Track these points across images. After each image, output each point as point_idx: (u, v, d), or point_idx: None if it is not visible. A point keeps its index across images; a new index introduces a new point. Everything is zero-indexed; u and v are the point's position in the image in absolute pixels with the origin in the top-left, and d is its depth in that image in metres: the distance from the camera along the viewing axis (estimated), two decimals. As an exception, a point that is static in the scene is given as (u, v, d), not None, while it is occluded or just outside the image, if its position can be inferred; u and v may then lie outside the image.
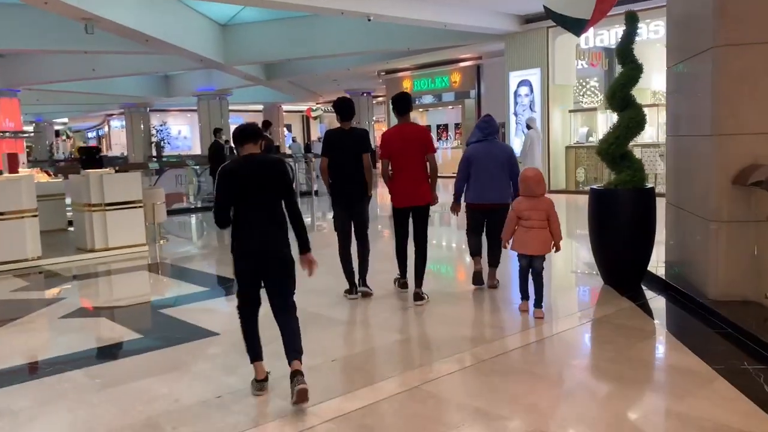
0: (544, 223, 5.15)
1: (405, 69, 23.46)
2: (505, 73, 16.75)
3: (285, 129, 38.60)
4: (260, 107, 33.71)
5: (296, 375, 3.60)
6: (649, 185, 6.22)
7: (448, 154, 22.65)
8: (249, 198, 3.76)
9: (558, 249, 5.25)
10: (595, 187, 6.39)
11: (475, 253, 6.23)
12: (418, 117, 24.08)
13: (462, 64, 21.79)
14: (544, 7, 11.38)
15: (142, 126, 31.51)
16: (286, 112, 37.27)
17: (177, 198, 17.32)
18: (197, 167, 16.47)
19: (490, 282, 6.19)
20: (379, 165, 6.21)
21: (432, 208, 5.93)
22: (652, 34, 13.86)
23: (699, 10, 5.60)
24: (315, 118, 39.86)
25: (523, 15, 15.52)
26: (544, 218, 5.15)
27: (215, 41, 18.43)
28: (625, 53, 6.20)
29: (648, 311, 5.49)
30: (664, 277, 6.32)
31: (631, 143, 6.27)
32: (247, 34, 18.65)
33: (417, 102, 24.38)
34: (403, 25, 15.93)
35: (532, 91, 15.83)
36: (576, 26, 11.52)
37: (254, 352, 3.87)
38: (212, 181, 13.21)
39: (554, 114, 15.70)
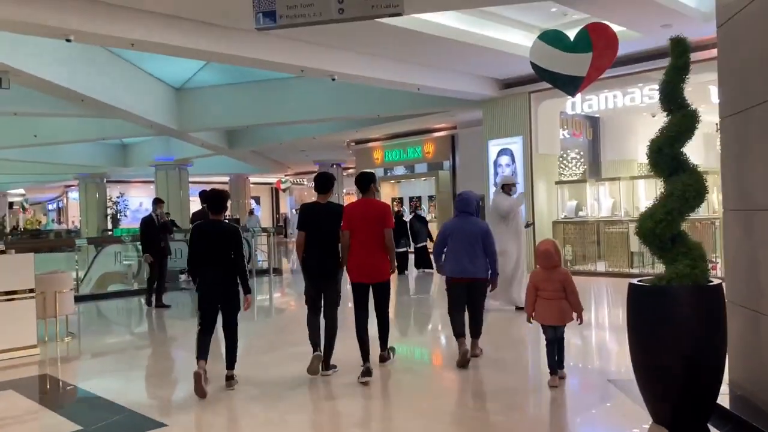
0: (560, 294, 5.09)
1: (375, 139, 21.90)
2: (483, 142, 15.15)
3: (252, 201, 36.73)
4: (226, 179, 31.81)
5: (229, 378, 5.35)
6: (715, 280, 4.29)
7: (421, 229, 20.76)
8: (210, 251, 5.31)
9: (581, 321, 5.15)
10: (638, 282, 4.42)
11: (459, 333, 5.98)
12: (389, 189, 22.34)
13: (436, 134, 20.28)
14: (533, 64, 9.78)
15: (97, 197, 29.29)
16: (253, 184, 35.43)
17: (116, 278, 15.10)
18: (137, 243, 14.27)
19: (473, 352, 6.05)
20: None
21: None
22: (647, 99, 12.39)
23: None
24: (284, 190, 38.16)
25: (503, 79, 14.03)
26: (559, 289, 5.08)
27: (168, 105, 16.66)
28: (672, 95, 4.36)
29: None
30: (730, 409, 4.35)
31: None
32: (203, 98, 16.93)
33: (388, 174, 22.71)
34: (372, 89, 14.36)
35: (513, 161, 14.18)
36: (569, 85, 9.91)
37: (202, 353, 5.23)
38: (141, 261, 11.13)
39: (539, 186, 14.00)
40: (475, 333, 6.15)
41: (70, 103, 13.80)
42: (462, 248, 5.95)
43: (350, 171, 28.16)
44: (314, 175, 6.07)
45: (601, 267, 12.96)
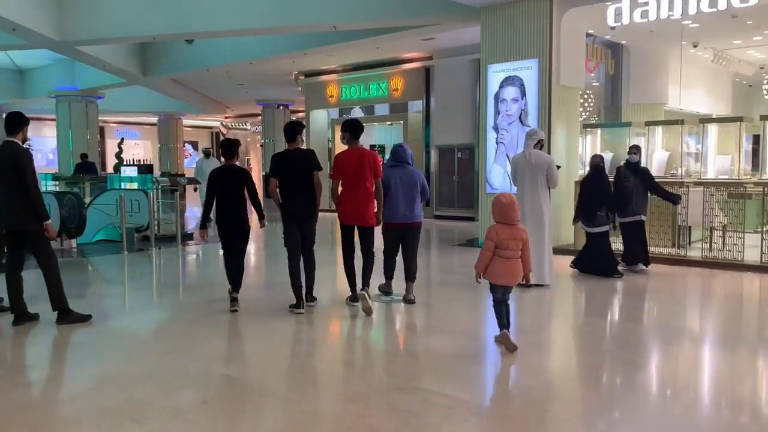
0: (518, 252, 4.56)
1: (329, 71, 17.11)
2: (473, 72, 10.68)
3: (188, 146, 31.51)
4: (153, 119, 26.46)
5: (234, 300, 5.96)
6: None
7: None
8: (226, 191, 5.97)
9: (528, 280, 4.70)
10: None
11: (389, 276, 6.37)
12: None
13: (406, 66, 15.63)
14: None
15: (-7, 135, 23.61)
16: (189, 127, 30.12)
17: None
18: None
19: (407, 297, 6.17)
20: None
21: None
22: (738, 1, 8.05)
23: None
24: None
25: (515, -26, 9.49)
26: (521, 247, 4.55)
27: (41, 3, 11.52)
28: None
29: None
30: None
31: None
32: (92, -4, 11.84)
33: (344, 116, 18.05)
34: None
35: (523, 94, 9.76)
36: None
37: (230, 279, 6.11)
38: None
39: (558, 130, 9.65)
40: (411, 276, 6.21)
41: None
42: (400, 195, 6.04)
43: (299, 114, 23.26)
44: (283, 125, 6.09)
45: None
